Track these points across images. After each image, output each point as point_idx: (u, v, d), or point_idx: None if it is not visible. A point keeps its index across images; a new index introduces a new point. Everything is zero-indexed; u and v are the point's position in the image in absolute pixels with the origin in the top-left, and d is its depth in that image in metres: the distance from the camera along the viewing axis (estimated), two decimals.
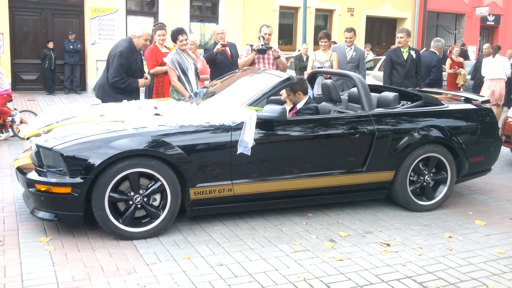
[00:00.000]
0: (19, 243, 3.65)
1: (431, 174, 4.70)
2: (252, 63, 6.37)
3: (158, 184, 3.83)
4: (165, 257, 3.52)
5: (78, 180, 3.61)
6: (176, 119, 4.00)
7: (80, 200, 3.63)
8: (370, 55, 15.27)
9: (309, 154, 4.28)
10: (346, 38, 7.21)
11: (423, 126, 4.60)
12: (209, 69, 6.66)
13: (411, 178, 4.63)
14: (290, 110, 4.80)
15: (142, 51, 5.77)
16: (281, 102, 4.98)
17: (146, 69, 6.10)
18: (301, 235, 4.01)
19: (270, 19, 15.32)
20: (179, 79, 5.62)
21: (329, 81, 5.21)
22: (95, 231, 3.89)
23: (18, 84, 13.16)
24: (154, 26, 6.78)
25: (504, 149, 7.48)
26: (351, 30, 7.26)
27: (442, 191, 4.72)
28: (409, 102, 4.97)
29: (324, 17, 17.47)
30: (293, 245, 3.80)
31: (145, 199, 3.82)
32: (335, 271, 3.39)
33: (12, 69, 13.08)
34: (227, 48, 6.86)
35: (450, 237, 4.08)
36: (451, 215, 4.64)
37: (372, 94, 5.08)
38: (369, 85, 5.77)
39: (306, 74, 7.33)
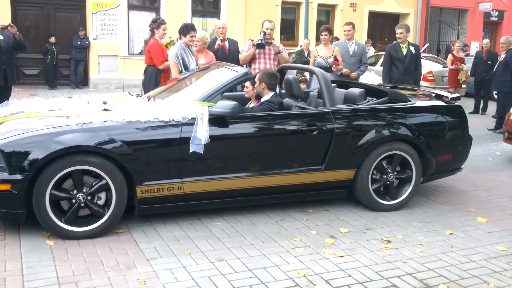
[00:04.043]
0: (20, 238, 3.65)
1: (395, 173, 4.54)
2: (253, 58, 6.35)
3: (103, 182, 3.67)
4: (165, 252, 3.52)
5: (17, 176, 3.46)
6: (124, 114, 3.86)
7: (20, 197, 3.49)
8: (371, 51, 15.22)
9: (264, 151, 4.15)
10: (345, 31, 7.20)
11: (386, 123, 4.45)
12: None
13: (374, 176, 4.48)
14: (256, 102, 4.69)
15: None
16: (244, 99, 4.85)
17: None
18: (302, 231, 4.00)
19: (272, 14, 15.26)
20: (180, 74, 5.62)
21: (290, 76, 5.04)
22: None
23: (20, 78, 13.13)
24: (155, 21, 6.74)
25: (507, 146, 7.47)
26: (349, 23, 7.24)
27: (407, 190, 4.56)
28: (375, 99, 4.83)
29: (326, 12, 17.41)
30: (293, 241, 3.79)
31: (89, 197, 3.68)
32: (335, 268, 3.39)
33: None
34: (226, 44, 6.85)
35: (451, 234, 4.07)
36: (453, 212, 4.62)
37: (340, 90, 5.02)
38: (338, 81, 5.69)
39: None
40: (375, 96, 4.90)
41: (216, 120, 3.95)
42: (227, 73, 4.41)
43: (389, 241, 3.86)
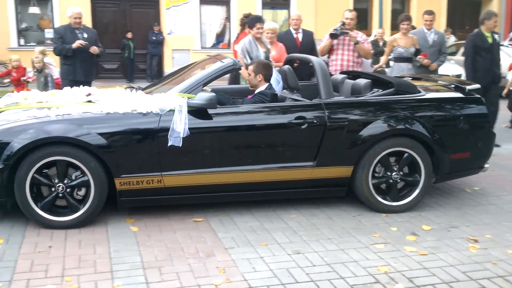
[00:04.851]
0: (106, 223, 3.84)
1: (401, 171, 4.16)
2: (331, 49, 6.19)
3: (85, 178, 3.68)
4: (242, 242, 3.55)
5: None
6: (103, 106, 3.84)
7: (2, 186, 3.58)
8: (451, 40, 14.46)
9: (250, 145, 3.94)
10: (426, 20, 6.86)
11: (387, 117, 4.07)
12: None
13: (376, 175, 4.15)
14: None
15: (80, 28, 6.55)
16: (245, 92, 4.68)
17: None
18: (381, 227, 3.87)
19: (344, 4, 14.91)
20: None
21: (286, 67, 4.79)
22: (175, 213, 4.02)
23: (100, 73, 13.86)
24: (247, 16, 6.69)
25: None
26: (431, 12, 6.90)
27: (415, 191, 4.17)
28: (380, 90, 4.42)
29: (401, 0, 16.76)
30: (372, 237, 3.68)
31: (68, 189, 3.70)
32: (418, 266, 3.24)
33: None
34: (299, 36, 6.77)
35: None
36: None
37: (348, 81, 4.75)
38: (348, 72, 5.35)
39: (383, 60, 7.06)
40: (384, 87, 4.49)
41: (197, 112, 3.82)
42: (215, 65, 4.21)
43: (476, 241, 3.63)
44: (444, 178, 4.40)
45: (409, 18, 6.72)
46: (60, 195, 3.71)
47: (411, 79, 5.14)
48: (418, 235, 3.74)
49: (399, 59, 6.63)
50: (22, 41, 13.74)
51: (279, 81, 4.96)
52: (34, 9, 13.78)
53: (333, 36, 6.05)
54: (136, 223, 3.84)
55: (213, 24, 14.95)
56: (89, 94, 4.10)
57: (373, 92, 4.44)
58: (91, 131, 3.66)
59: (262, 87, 4.40)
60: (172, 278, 3.02)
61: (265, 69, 4.43)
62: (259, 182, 4.01)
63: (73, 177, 3.74)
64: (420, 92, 4.42)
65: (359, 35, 6.19)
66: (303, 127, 3.98)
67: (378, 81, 4.61)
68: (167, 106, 3.80)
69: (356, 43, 6.05)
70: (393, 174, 4.15)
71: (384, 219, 4.05)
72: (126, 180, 3.75)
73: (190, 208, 4.12)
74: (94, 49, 6.53)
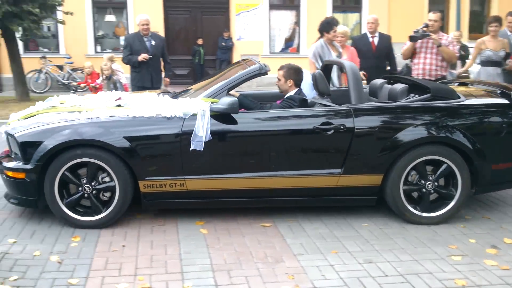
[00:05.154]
0: (177, 225, 3.93)
1: (435, 181, 3.93)
2: (414, 53, 5.97)
3: (111, 183, 3.78)
4: (311, 249, 3.50)
5: (29, 166, 3.72)
6: (129, 110, 3.89)
7: (33, 185, 3.74)
8: None
9: (272, 151, 3.87)
10: (510, 22, 6.49)
11: (420, 123, 3.88)
12: (359, 60, 6.43)
13: (408, 184, 3.94)
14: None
15: (149, 35, 6.82)
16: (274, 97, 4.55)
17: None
18: (458, 239, 3.67)
19: (419, 6, 14.40)
20: None
21: (317, 71, 4.62)
22: (243, 217, 4.04)
23: (171, 79, 14.28)
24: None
25: None
26: None
27: (451, 202, 3.93)
28: (417, 95, 4.19)
29: (480, 1, 15.88)
30: (449, 248, 3.49)
31: (94, 192, 3.81)
32: (500, 281, 3.04)
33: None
34: (375, 40, 6.61)
35: None
36: None
37: (386, 86, 4.50)
38: (389, 76, 5.05)
39: (467, 64, 6.72)
40: (423, 92, 4.23)
41: (223, 117, 3.82)
42: (241, 70, 4.18)
43: None
44: (485, 189, 4.17)
45: (498, 20, 6.36)
46: (86, 195, 3.83)
47: (457, 85, 4.90)
48: (499, 248, 3.50)
49: (487, 62, 6.28)
50: (98, 48, 14.49)
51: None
52: (110, 17, 14.56)
53: (412, 38, 5.81)
54: (205, 226, 3.91)
55: (282, 29, 14.99)
56: (119, 99, 4.24)
57: (409, 98, 4.27)
58: (117, 134, 3.76)
59: (292, 92, 4.37)
60: (241, 282, 3.03)
61: (296, 74, 4.40)
62: (282, 189, 3.96)
63: (101, 182, 3.84)
64: (459, 97, 4.18)
65: (444, 38, 5.87)
66: (329, 133, 3.88)
67: (417, 87, 4.42)
68: (191, 111, 3.84)
69: (439, 45, 5.76)
70: (427, 183, 3.95)
71: (461, 230, 3.83)
72: (149, 182, 3.82)
73: (258, 213, 4.13)
74: (166, 83, 6.95)
